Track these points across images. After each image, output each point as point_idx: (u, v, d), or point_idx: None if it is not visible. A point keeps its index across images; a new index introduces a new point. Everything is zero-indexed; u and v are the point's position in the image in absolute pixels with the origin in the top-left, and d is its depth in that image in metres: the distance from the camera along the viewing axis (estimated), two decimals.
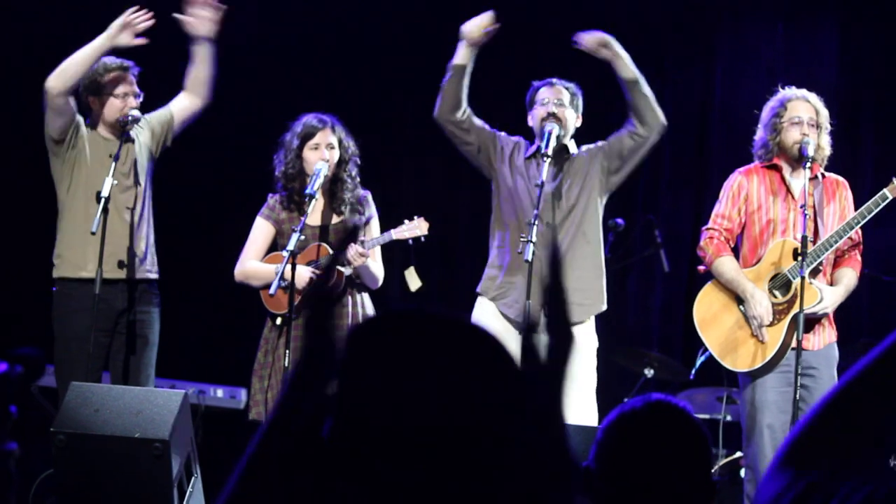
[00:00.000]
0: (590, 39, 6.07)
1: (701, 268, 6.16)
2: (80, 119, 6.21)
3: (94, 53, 6.09)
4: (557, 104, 6.14)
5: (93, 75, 6.20)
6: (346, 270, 6.11)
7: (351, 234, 5.99)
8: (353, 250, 6.00)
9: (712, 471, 2.56)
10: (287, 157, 6.22)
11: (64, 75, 6.06)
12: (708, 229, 6.12)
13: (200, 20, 6.29)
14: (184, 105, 6.42)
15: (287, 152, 6.22)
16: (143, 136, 6.33)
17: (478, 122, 6.26)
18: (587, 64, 6.23)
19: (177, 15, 6.22)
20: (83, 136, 6.20)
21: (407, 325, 1.69)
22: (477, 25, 6.08)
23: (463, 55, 6.13)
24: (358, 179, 6.27)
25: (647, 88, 6.07)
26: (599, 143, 6.24)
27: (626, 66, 6.06)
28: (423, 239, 6.10)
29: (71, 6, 8.14)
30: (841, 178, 6.12)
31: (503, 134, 6.31)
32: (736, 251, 6.13)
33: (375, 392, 1.63)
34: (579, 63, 6.31)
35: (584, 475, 2.46)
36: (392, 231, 6.12)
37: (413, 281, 6.25)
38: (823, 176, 6.07)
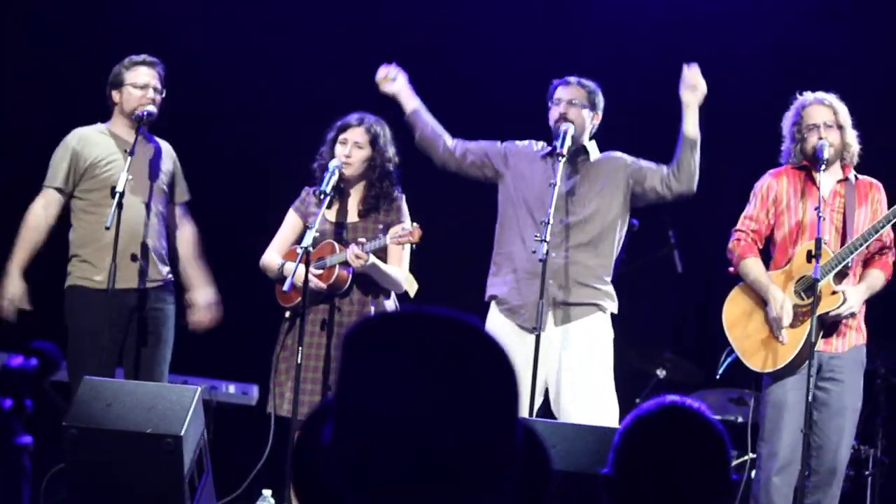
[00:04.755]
0: (693, 75, 5.94)
1: (731, 269, 6.15)
2: (73, 163, 6.27)
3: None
4: (570, 104, 6.11)
5: (117, 69, 6.29)
6: (346, 270, 6.10)
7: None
8: (350, 251, 6.00)
9: (731, 470, 2.54)
10: (324, 150, 6.26)
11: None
12: (736, 231, 6.12)
13: (199, 319, 6.52)
14: (176, 219, 6.54)
15: (325, 145, 6.27)
16: (169, 159, 6.46)
17: (473, 147, 6.28)
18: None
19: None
20: (85, 163, 6.25)
21: (402, 325, 1.68)
22: (380, 80, 6.31)
23: (404, 103, 6.31)
24: (391, 184, 6.26)
25: (698, 155, 6.02)
26: (633, 161, 6.20)
27: (695, 121, 5.99)
28: (413, 247, 6.09)
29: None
30: (875, 181, 6.07)
31: (504, 144, 6.29)
32: (767, 253, 6.11)
33: (372, 394, 1.62)
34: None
35: (604, 482, 2.46)
36: (386, 236, 6.08)
37: (410, 287, 6.25)
38: (857, 178, 6.03)
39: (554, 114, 6.12)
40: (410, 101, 6.29)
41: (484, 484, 1.61)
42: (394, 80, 6.27)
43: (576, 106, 6.11)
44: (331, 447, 1.64)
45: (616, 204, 6.13)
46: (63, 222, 6.35)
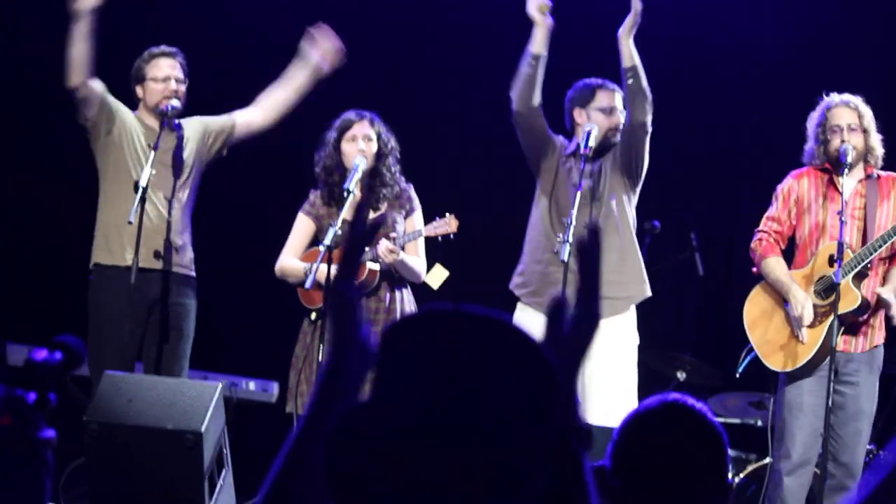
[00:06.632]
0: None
1: (754, 269, 6.14)
2: (114, 106, 6.25)
3: (72, 34, 6.06)
4: (615, 111, 6.11)
5: (137, 64, 6.29)
6: (376, 266, 6.10)
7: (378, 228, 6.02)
8: (382, 246, 5.99)
9: (728, 473, 2.54)
10: (325, 152, 6.24)
11: (71, 67, 6.09)
12: (758, 231, 6.12)
13: (322, 51, 6.37)
14: (251, 120, 6.47)
15: (325, 146, 6.25)
16: (194, 131, 6.38)
17: (542, 118, 6.18)
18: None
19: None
20: (119, 124, 6.23)
21: (442, 324, 1.68)
22: (539, 3, 5.97)
23: (537, 40, 5.99)
24: (398, 174, 6.27)
25: (643, 82, 5.93)
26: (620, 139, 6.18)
27: (633, 52, 5.92)
28: (451, 237, 6.09)
29: None
30: None
31: (559, 136, 6.27)
32: (790, 253, 6.09)
33: (409, 392, 1.62)
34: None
35: (598, 474, 2.46)
36: (423, 228, 6.12)
37: (435, 280, 6.24)
38: (879, 175, 5.99)
39: (604, 124, 6.08)
40: (543, 44, 5.99)
41: (517, 483, 1.62)
42: (546, 13, 5.96)
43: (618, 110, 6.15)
44: (366, 444, 1.65)
45: (619, 184, 6.10)
46: (86, 212, 6.35)
